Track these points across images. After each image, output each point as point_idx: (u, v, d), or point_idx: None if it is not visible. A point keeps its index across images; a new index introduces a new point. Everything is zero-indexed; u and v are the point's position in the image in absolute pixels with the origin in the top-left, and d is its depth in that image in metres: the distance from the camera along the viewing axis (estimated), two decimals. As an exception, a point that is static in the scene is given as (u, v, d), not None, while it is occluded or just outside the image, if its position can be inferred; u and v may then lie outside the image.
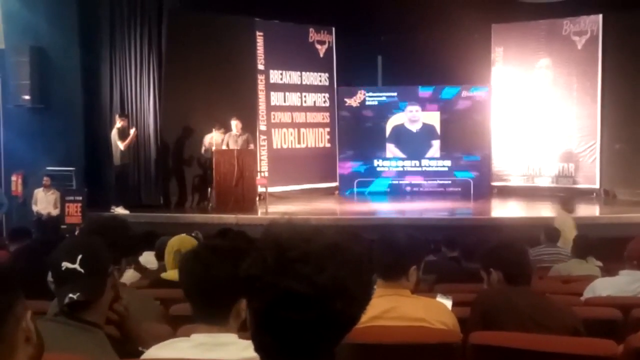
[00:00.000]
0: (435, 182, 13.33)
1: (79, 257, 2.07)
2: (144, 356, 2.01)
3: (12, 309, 1.21)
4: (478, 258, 3.41)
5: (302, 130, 13.54)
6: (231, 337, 1.89)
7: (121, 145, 10.37)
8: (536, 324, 2.70)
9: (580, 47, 12.66)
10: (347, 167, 13.68)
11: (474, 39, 13.38)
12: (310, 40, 13.62)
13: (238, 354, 1.82)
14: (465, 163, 13.26)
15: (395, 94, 13.62)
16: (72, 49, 10.96)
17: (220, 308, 1.92)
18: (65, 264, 2.06)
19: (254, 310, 1.15)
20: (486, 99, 13.32)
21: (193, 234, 5.56)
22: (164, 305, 3.23)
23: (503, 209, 12.21)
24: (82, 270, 2.06)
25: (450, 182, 13.25)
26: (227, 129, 10.98)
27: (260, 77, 12.92)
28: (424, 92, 13.49)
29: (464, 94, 13.32)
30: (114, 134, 10.45)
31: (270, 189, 11.80)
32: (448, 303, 2.99)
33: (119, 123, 10.53)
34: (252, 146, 11.11)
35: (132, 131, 10.62)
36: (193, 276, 1.97)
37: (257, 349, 1.17)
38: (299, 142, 13.50)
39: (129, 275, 4.35)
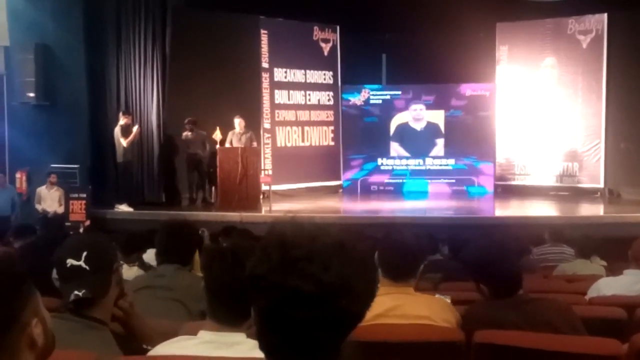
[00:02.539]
0: (439, 180, 13.32)
1: (84, 254, 2.07)
2: (150, 353, 2.01)
3: (17, 318, 1.18)
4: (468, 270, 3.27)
5: (306, 128, 13.53)
6: (239, 337, 1.89)
7: (124, 142, 10.39)
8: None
9: (585, 46, 12.63)
10: (351, 165, 13.67)
11: (479, 38, 13.35)
12: (315, 38, 13.61)
13: (246, 353, 1.82)
14: (469, 162, 13.24)
15: (399, 92, 13.61)
16: (77, 46, 10.96)
17: (243, 311, 1.85)
18: (70, 261, 2.07)
19: (259, 310, 1.15)
20: (491, 97, 13.29)
21: (200, 232, 5.56)
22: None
23: (507, 208, 12.18)
24: (87, 267, 2.06)
25: (454, 180, 13.24)
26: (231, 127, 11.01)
27: (265, 75, 12.92)
28: (429, 90, 13.47)
29: (469, 92, 13.30)
30: (117, 131, 10.46)
31: (274, 187, 11.81)
32: (446, 303, 2.98)
33: (122, 120, 10.54)
34: (255, 144, 11.12)
35: (135, 128, 10.63)
36: (228, 275, 1.92)
37: (262, 348, 1.17)
38: (303, 141, 13.49)
39: (133, 272, 4.36)
